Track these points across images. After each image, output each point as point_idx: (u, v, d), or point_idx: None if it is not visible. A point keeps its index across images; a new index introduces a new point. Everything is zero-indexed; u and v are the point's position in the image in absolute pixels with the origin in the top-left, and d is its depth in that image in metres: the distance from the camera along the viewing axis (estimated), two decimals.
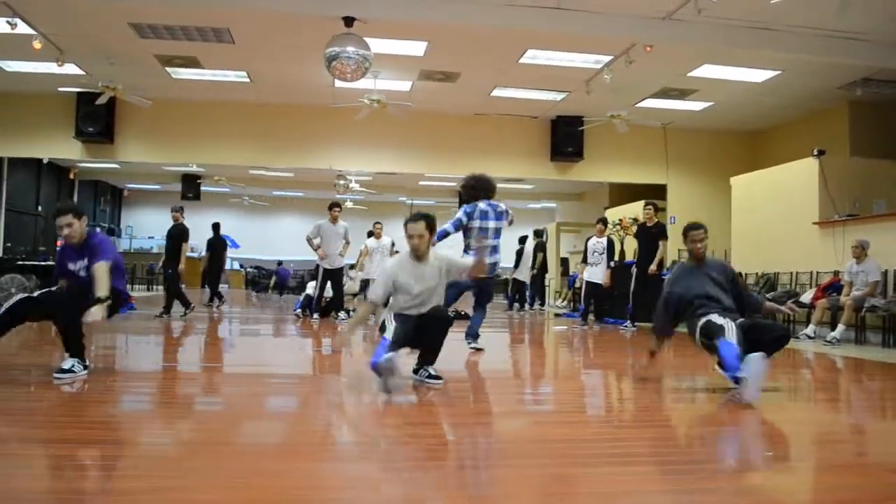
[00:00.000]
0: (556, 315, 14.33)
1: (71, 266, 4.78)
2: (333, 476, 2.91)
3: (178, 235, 10.45)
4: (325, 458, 3.20)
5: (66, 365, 4.53)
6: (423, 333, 4.63)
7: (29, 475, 2.74)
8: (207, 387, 5.21)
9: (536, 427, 3.97)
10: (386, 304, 4.92)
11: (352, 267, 12.86)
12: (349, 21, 8.63)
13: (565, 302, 17.16)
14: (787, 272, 10.61)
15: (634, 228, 11.78)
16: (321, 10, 8.68)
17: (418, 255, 4.78)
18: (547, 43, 9.87)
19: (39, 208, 19.35)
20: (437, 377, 4.64)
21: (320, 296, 10.76)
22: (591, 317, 11.24)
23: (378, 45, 9.05)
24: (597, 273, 10.92)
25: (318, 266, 10.62)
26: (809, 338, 8.72)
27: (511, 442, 3.56)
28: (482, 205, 6.89)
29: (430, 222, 4.83)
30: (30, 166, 18.43)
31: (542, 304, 15.15)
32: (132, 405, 4.29)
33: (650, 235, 10.34)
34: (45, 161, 17.80)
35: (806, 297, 9.55)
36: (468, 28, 9.26)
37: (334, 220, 10.52)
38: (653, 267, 9.93)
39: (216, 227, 14.36)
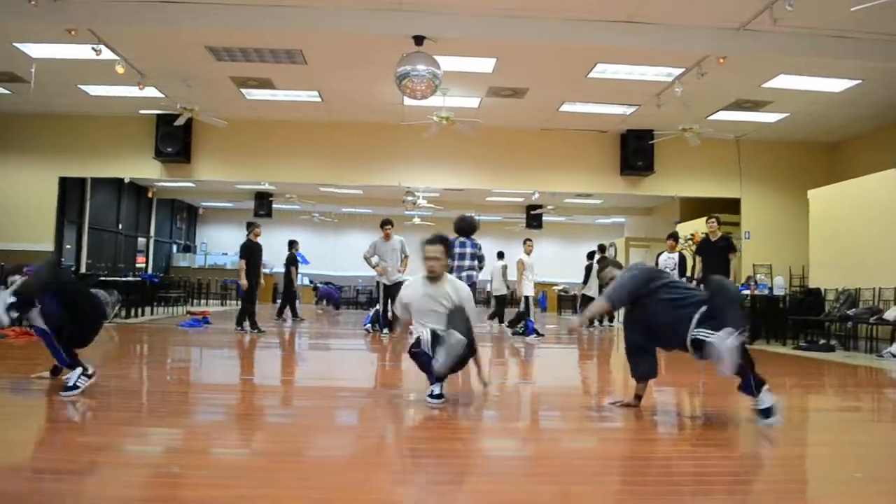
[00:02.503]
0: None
1: None
2: (413, 489, 2.92)
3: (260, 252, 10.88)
4: (401, 470, 3.22)
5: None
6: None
7: (122, 483, 2.83)
8: (283, 399, 5.30)
9: (606, 444, 3.92)
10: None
11: None
12: (419, 40, 8.74)
13: None
14: (869, 288, 10.23)
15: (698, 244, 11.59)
16: (391, 30, 8.81)
17: (433, 276, 4.84)
18: (617, 57, 9.77)
19: (120, 226, 20.08)
20: (438, 396, 4.52)
21: (385, 310, 10.80)
22: None
23: (447, 63, 9.12)
24: None
25: (377, 283, 10.86)
26: (894, 356, 8.39)
27: (589, 459, 3.52)
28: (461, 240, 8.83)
29: (448, 245, 4.90)
30: (111, 186, 19.17)
31: (612, 321, 14.94)
32: (210, 416, 4.39)
33: (717, 250, 10.10)
34: (126, 181, 18.49)
35: (890, 315, 9.19)
36: (537, 44, 9.26)
37: (387, 237, 10.74)
38: (737, 283, 9.73)
39: (291, 244, 14.71)
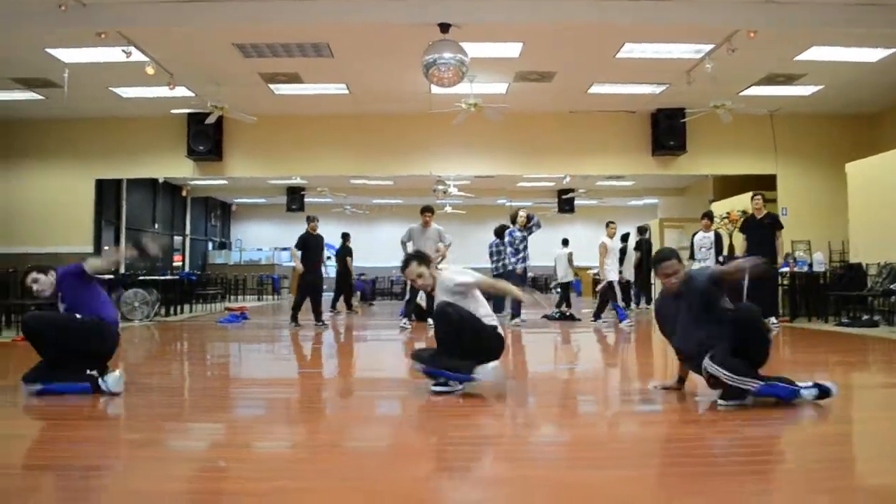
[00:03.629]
0: None
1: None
2: (462, 478, 2.94)
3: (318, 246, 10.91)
4: (446, 459, 3.23)
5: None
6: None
7: (167, 477, 2.88)
8: (325, 391, 5.35)
9: (648, 427, 3.90)
10: None
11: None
12: (445, 27, 8.71)
13: None
14: None
15: (741, 222, 11.37)
16: (417, 18, 8.78)
17: (429, 292, 5.14)
18: (644, 35, 9.64)
19: (156, 225, 20.39)
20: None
21: (413, 299, 10.67)
22: None
23: (473, 49, 9.06)
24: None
25: None
26: None
27: (624, 442, 3.51)
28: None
29: (421, 259, 4.97)
30: (146, 186, 19.47)
31: (649, 301, 14.82)
32: (252, 410, 4.44)
33: (762, 228, 9.95)
34: (160, 181, 18.77)
35: None
36: (563, 26, 9.18)
37: (426, 224, 10.59)
38: (780, 260, 9.60)
39: (345, 236, 14.84)
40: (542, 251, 15.80)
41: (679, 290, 4.31)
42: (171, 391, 4.86)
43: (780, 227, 10.02)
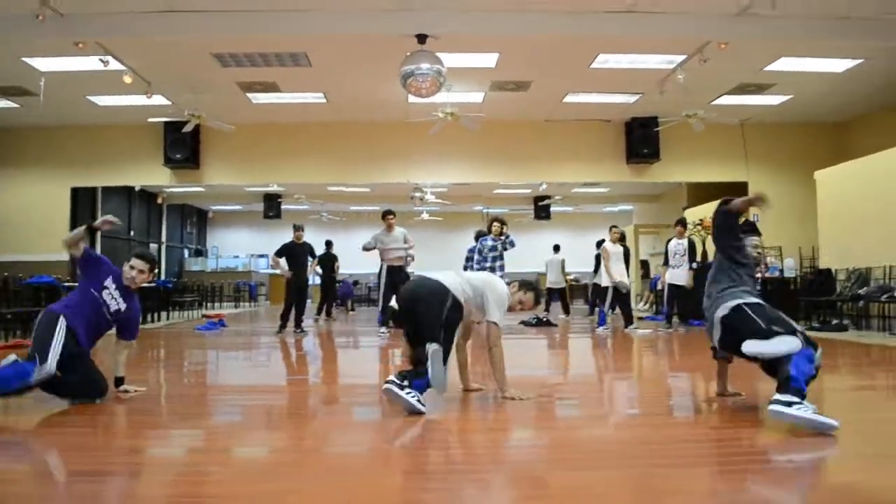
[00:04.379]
0: (639, 318, 14.17)
1: (108, 297, 4.70)
2: (458, 485, 3.02)
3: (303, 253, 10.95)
4: (435, 464, 3.32)
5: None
6: None
7: (153, 483, 2.95)
8: (308, 397, 5.41)
9: (628, 430, 4.01)
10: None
11: None
12: (422, 38, 8.84)
13: (647, 305, 16.96)
14: (879, 266, 10.27)
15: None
16: (394, 30, 8.91)
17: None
18: (618, 46, 9.84)
19: (132, 233, 20.27)
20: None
21: (387, 301, 10.40)
22: (675, 319, 11.11)
23: (450, 60, 9.19)
24: (679, 275, 10.78)
25: (380, 269, 10.64)
26: None
27: (610, 443, 3.61)
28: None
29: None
30: (122, 194, 19.36)
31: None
32: (237, 416, 4.50)
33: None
34: (136, 188, 18.68)
35: None
36: (539, 37, 9.34)
37: (390, 227, 10.57)
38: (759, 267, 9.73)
39: (328, 244, 14.89)
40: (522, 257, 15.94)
41: None
42: (152, 399, 4.90)
43: (758, 233, 10.21)
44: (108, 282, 4.71)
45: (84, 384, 4.51)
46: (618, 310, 11.11)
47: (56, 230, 13.44)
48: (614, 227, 11.48)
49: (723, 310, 4.07)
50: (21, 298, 10.11)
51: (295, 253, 10.76)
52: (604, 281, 11.04)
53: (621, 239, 11.19)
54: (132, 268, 4.75)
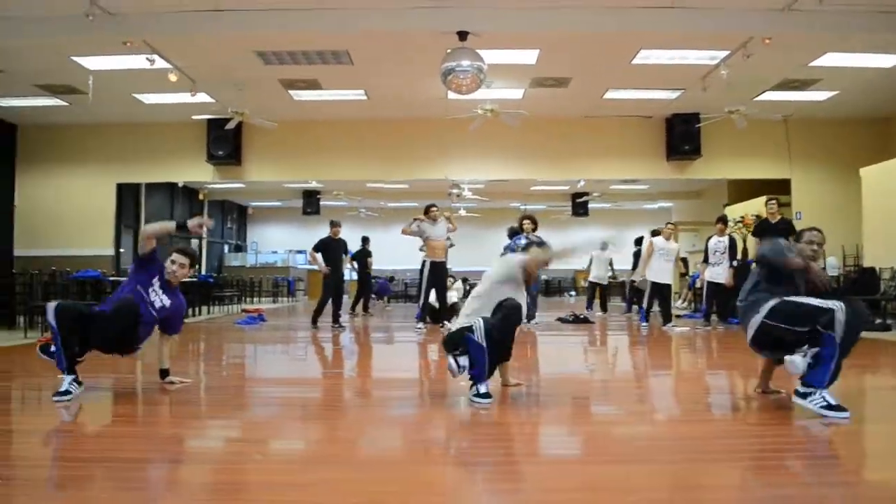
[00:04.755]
0: (678, 316, 14.05)
1: (153, 294, 4.75)
2: (470, 477, 3.07)
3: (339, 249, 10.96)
4: (464, 459, 3.37)
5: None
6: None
7: (195, 471, 3.04)
8: (342, 391, 5.49)
9: (661, 426, 4.01)
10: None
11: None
12: (463, 35, 8.87)
13: (685, 303, 16.80)
14: None
15: (754, 226, 11.40)
16: (436, 26, 8.95)
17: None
18: (660, 42, 9.76)
19: None
20: (486, 395, 4.25)
21: (427, 299, 10.58)
22: (714, 318, 11.01)
23: (491, 56, 9.20)
24: (719, 273, 10.66)
25: (423, 265, 10.41)
26: None
27: (643, 440, 3.62)
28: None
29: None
30: (164, 190, 19.74)
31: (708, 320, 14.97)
32: (276, 409, 4.59)
33: (777, 232, 10.00)
34: (179, 185, 19.04)
35: None
36: (579, 34, 9.32)
37: (434, 219, 10.34)
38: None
39: (364, 240, 14.98)
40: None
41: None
42: (194, 390, 5.03)
43: (795, 232, 10.06)
44: (156, 280, 4.78)
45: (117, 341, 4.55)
46: (657, 307, 11.04)
47: (101, 226, 13.82)
48: (669, 223, 11.43)
49: (750, 329, 4.11)
50: (68, 292, 10.38)
51: (331, 248, 10.82)
52: (651, 277, 10.95)
53: (641, 241, 11.06)
54: (173, 262, 4.82)
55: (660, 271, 10.81)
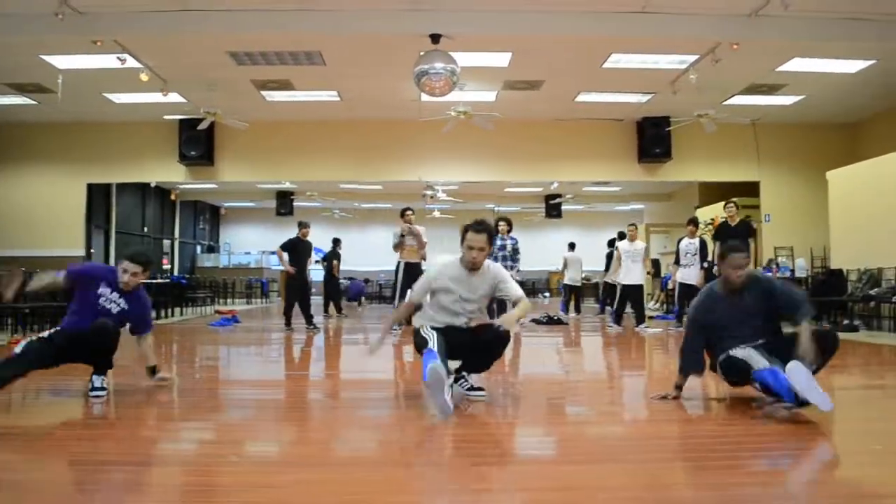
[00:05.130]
0: (650, 317, 14.20)
1: (107, 303, 4.68)
2: (439, 481, 3.10)
3: (306, 251, 10.94)
4: (429, 461, 3.40)
5: (98, 383, 4.64)
6: (476, 352, 4.40)
7: (167, 473, 3.04)
8: (317, 392, 5.50)
9: (630, 427, 4.07)
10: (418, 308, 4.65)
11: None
12: (436, 38, 8.90)
13: (657, 304, 16.99)
14: (891, 267, 10.27)
15: (714, 229, 11.54)
16: (408, 30, 8.99)
17: (474, 267, 4.44)
18: (631, 46, 9.86)
19: (145, 229, 20.45)
20: (479, 388, 4.49)
21: (400, 303, 10.51)
22: (685, 318, 11.14)
23: (463, 59, 9.23)
24: (690, 274, 10.78)
25: (397, 266, 10.43)
26: None
27: (613, 439, 3.68)
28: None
29: (492, 235, 4.52)
30: (136, 191, 19.56)
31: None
32: (249, 410, 4.59)
33: (736, 235, 10.15)
34: (151, 185, 18.86)
35: None
36: (552, 37, 9.39)
37: (409, 223, 10.32)
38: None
39: (336, 241, 14.95)
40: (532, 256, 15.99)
41: (739, 287, 4.26)
42: (167, 392, 5.01)
43: (754, 234, 10.22)
44: (103, 288, 4.66)
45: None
46: (630, 308, 11.15)
47: (71, 226, 13.64)
48: (631, 225, 11.52)
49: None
50: (37, 293, 10.21)
51: (299, 249, 10.82)
52: (621, 279, 11.07)
53: (613, 243, 11.14)
54: (125, 271, 4.66)
55: (628, 273, 10.93)
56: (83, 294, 4.67)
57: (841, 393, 5.30)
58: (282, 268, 11.40)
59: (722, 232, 10.54)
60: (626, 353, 8.36)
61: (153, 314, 5.03)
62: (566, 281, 15.10)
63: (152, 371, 4.91)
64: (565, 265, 15.06)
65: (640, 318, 10.80)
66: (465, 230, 4.43)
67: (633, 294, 10.96)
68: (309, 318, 10.65)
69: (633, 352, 8.42)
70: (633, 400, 5.17)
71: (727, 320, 4.27)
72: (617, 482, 2.90)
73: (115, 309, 4.67)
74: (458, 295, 4.42)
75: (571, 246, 15.61)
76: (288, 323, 10.66)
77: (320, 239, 15.59)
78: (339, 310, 14.76)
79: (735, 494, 2.72)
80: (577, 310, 14.97)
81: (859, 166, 11.55)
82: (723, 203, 11.25)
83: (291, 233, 11.12)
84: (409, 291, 10.36)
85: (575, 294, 15.14)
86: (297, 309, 10.72)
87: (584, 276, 15.43)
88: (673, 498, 2.74)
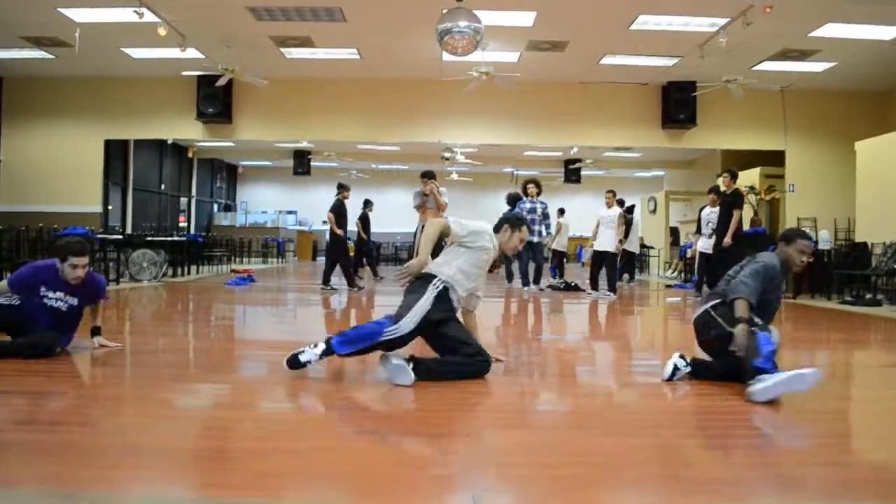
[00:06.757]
0: (668, 286, 14.08)
1: (54, 302, 4.48)
2: (448, 447, 3.03)
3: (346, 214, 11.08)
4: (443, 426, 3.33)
5: None
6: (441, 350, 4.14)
7: (178, 436, 2.98)
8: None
9: (648, 399, 3.97)
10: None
11: None
12: None
13: (675, 272, 16.83)
14: None
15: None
16: None
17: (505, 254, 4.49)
18: (659, 7, 9.60)
19: (163, 186, 20.45)
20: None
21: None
22: (705, 288, 11.01)
23: (487, 18, 9.00)
24: (711, 244, 10.62)
25: (417, 228, 10.24)
26: None
27: (630, 412, 3.59)
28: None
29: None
30: (153, 147, 19.50)
31: (631, 278, 14.92)
32: (269, 372, 4.54)
33: (724, 203, 9.99)
34: (168, 142, 18.79)
35: None
36: None
37: (430, 191, 10.18)
38: (727, 239, 9.57)
39: (367, 203, 14.77)
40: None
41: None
42: (182, 352, 4.97)
43: (740, 205, 10.02)
44: (44, 291, 4.46)
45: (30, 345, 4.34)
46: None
47: (89, 182, 13.61)
48: (609, 191, 11.40)
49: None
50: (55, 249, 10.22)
51: (343, 212, 10.88)
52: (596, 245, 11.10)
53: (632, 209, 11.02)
54: (74, 267, 4.39)
55: (601, 238, 10.91)
56: (28, 300, 4.47)
57: (863, 370, 5.19)
58: (303, 228, 11.44)
59: (721, 201, 10.34)
60: (644, 321, 8.26)
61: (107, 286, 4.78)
62: (555, 246, 14.83)
63: (94, 331, 4.72)
64: (558, 230, 14.79)
65: (612, 286, 10.77)
66: (520, 224, 4.40)
67: (605, 259, 10.96)
68: (351, 280, 10.74)
69: (650, 319, 8.32)
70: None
71: (773, 299, 4.15)
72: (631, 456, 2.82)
73: (63, 307, 4.49)
74: (483, 269, 4.26)
75: (561, 211, 15.46)
76: (327, 281, 10.70)
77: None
78: (375, 274, 14.58)
79: (767, 475, 2.62)
80: (561, 275, 14.58)
81: (889, 137, 11.24)
82: (747, 172, 11.08)
83: (309, 192, 11.15)
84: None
85: (560, 259, 14.82)
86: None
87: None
88: (698, 478, 2.66)
